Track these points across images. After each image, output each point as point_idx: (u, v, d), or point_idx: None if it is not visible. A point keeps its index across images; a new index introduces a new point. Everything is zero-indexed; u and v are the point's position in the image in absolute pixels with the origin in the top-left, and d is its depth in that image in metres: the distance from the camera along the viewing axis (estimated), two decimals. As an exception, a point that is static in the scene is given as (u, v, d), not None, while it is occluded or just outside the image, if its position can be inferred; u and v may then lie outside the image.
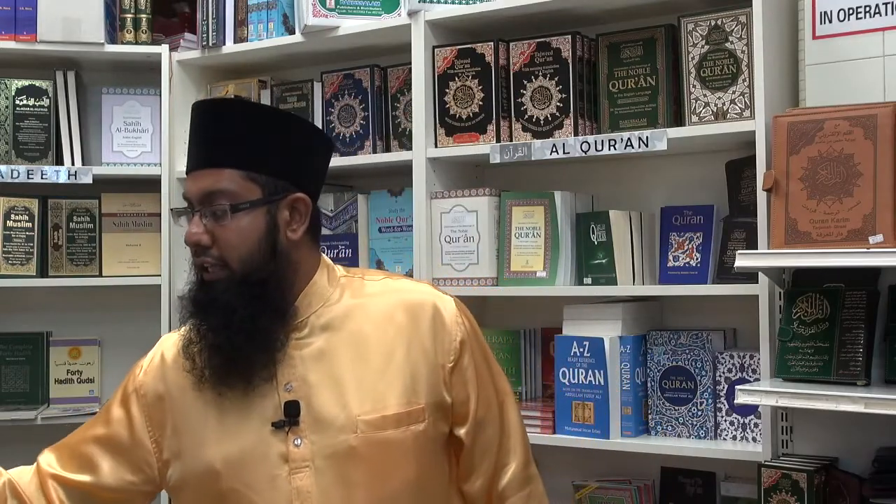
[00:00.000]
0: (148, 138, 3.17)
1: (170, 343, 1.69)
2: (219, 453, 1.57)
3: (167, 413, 1.64)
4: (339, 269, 1.70)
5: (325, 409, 1.56)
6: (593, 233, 2.48)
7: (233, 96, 3.04)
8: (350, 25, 2.77)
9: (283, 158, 1.60)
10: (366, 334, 1.61)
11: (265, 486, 1.55)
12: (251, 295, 1.54)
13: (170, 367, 1.66)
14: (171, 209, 1.66)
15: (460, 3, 2.63)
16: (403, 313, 1.63)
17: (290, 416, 1.56)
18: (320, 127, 2.90)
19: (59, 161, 3.08)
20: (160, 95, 3.12)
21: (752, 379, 2.31)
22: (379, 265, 2.79)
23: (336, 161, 2.83)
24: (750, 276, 2.21)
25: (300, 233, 1.60)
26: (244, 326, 1.53)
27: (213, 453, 1.57)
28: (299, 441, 1.55)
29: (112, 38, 3.09)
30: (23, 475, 1.68)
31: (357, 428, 1.55)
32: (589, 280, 2.49)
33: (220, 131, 1.59)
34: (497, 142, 2.56)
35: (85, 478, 1.66)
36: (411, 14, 2.66)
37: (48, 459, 1.69)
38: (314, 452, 1.55)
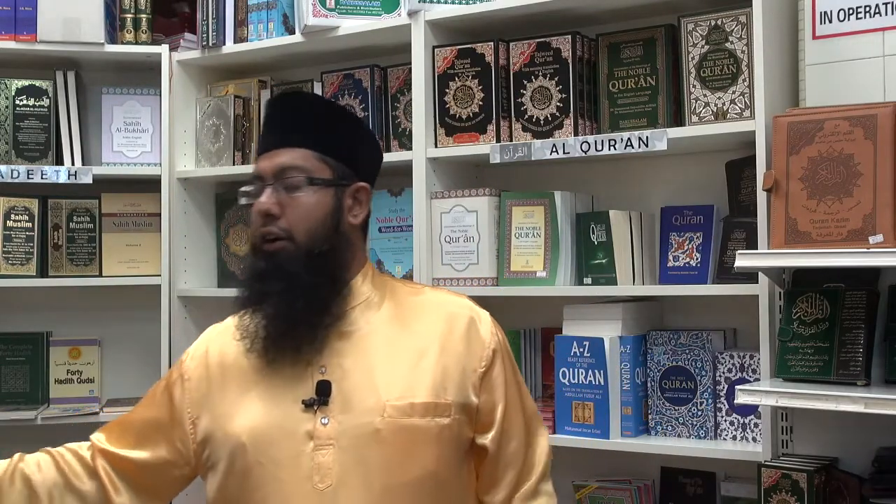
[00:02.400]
0: (148, 138, 3.17)
1: (215, 333, 1.79)
2: (247, 427, 1.62)
3: (206, 396, 1.70)
4: (382, 273, 1.81)
5: (356, 392, 1.61)
6: (593, 233, 2.48)
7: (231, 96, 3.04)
8: (350, 25, 2.77)
9: (351, 150, 1.72)
10: (401, 332, 1.68)
11: (288, 461, 1.59)
12: (314, 266, 1.62)
13: (213, 354, 1.74)
14: (240, 189, 1.73)
15: (460, 3, 2.63)
16: (439, 318, 1.71)
17: (321, 395, 1.61)
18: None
19: (59, 161, 3.08)
20: (160, 95, 3.12)
21: (752, 379, 2.31)
22: (379, 265, 2.79)
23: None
24: (750, 276, 2.21)
25: (360, 219, 1.72)
26: (306, 294, 1.60)
27: (241, 427, 1.63)
28: (326, 420, 1.60)
29: (112, 38, 3.09)
30: (70, 447, 1.79)
31: (384, 412, 1.60)
32: (589, 280, 2.49)
33: (297, 118, 1.70)
34: (497, 142, 2.56)
35: (129, 453, 1.73)
36: (411, 14, 2.66)
37: (98, 436, 1.78)
38: (340, 432, 1.59)
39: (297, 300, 1.60)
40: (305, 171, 1.65)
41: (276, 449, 1.60)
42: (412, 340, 1.67)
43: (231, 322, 1.74)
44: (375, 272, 1.76)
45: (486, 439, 1.68)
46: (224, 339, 1.74)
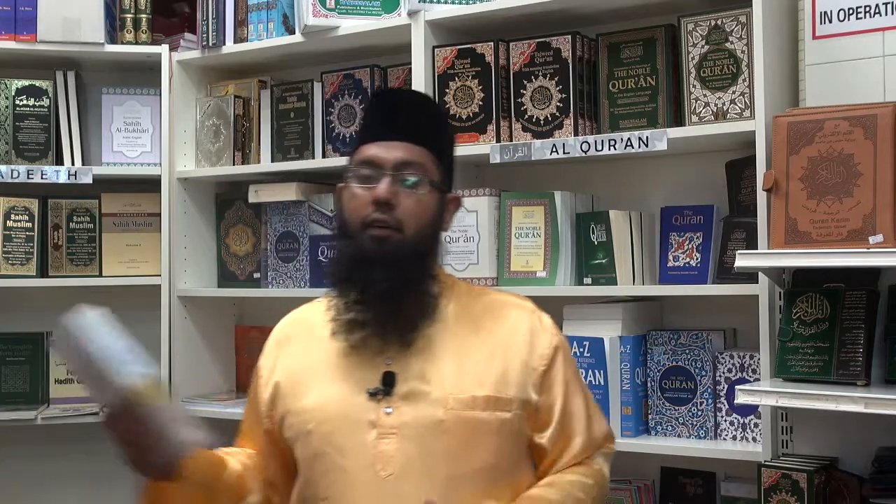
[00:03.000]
0: (148, 138, 3.17)
1: (291, 319, 1.84)
2: (312, 415, 1.67)
3: (277, 385, 1.74)
4: (448, 274, 1.85)
5: (420, 384, 1.65)
6: (593, 233, 2.48)
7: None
8: (350, 25, 2.77)
9: (451, 160, 1.80)
10: (466, 328, 1.72)
11: (351, 449, 1.63)
12: (419, 261, 1.67)
13: (285, 342, 1.79)
14: (350, 169, 1.74)
15: (460, 3, 2.63)
16: (503, 317, 1.75)
17: (386, 385, 1.65)
18: (320, 127, 2.91)
19: (59, 161, 3.08)
20: (160, 95, 3.12)
21: (752, 379, 2.31)
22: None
23: (336, 161, 2.83)
24: (750, 276, 2.21)
25: (448, 228, 1.77)
26: (407, 288, 1.64)
27: (308, 414, 1.68)
28: (390, 409, 1.63)
29: (112, 38, 3.10)
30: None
31: (447, 403, 1.63)
32: (589, 280, 2.49)
33: (418, 115, 1.74)
34: (497, 142, 2.56)
35: (257, 461, 1.79)
36: (411, 14, 2.66)
37: (244, 451, 1.81)
38: (403, 422, 1.63)
39: (398, 292, 1.63)
40: (426, 170, 1.68)
41: (340, 437, 1.64)
42: (476, 337, 1.71)
43: (315, 307, 1.79)
44: (443, 272, 1.79)
45: (544, 438, 1.72)
46: (301, 326, 1.80)
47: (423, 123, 1.73)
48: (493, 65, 2.57)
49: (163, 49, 3.10)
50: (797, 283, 2.17)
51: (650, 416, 2.44)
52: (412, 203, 1.66)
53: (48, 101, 3.09)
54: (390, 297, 1.63)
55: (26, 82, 3.08)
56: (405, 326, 1.66)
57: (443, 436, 1.62)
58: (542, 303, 2.62)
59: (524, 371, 1.70)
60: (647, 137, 2.35)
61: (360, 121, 1.87)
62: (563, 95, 2.49)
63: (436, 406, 1.63)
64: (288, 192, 2.93)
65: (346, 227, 1.69)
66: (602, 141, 2.41)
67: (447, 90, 2.63)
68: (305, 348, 1.75)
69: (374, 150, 1.68)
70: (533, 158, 2.48)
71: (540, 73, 2.53)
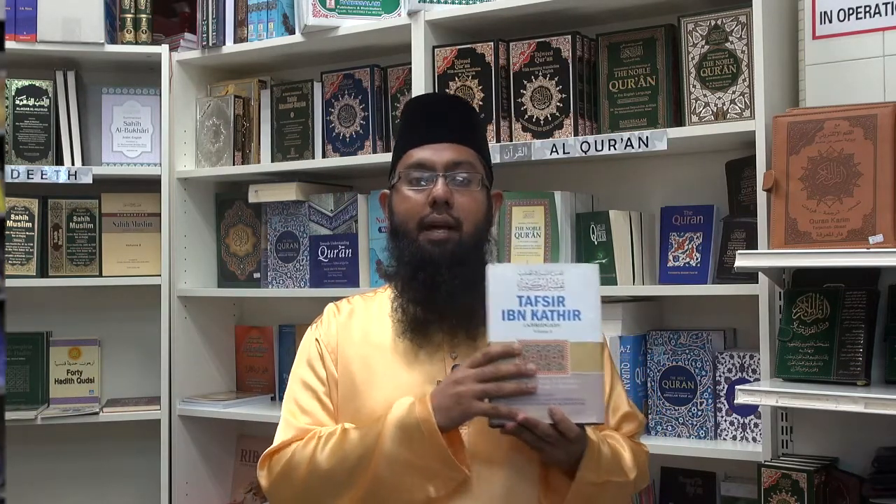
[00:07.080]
0: (148, 138, 3.17)
1: (332, 310, 1.86)
2: (383, 399, 1.70)
3: (343, 365, 1.78)
4: None
5: None
6: (593, 233, 2.48)
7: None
8: (350, 25, 2.77)
9: (489, 160, 1.86)
10: None
11: None
12: (477, 256, 1.74)
13: (343, 327, 1.82)
14: (399, 173, 1.79)
15: (460, 3, 2.63)
16: None
17: None
18: (320, 127, 2.92)
19: (59, 161, 3.08)
20: (160, 95, 3.12)
21: (752, 379, 2.31)
22: (379, 265, 2.78)
23: (336, 161, 2.84)
24: (750, 276, 2.21)
25: (494, 223, 1.84)
26: (474, 284, 1.67)
27: (379, 399, 1.71)
28: None
29: (112, 38, 3.10)
30: None
31: None
32: (589, 280, 2.49)
33: (462, 118, 1.82)
34: (497, 142, 2.56)
35: None
36: (411, 14, 2.66)
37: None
38: None
39: (465, 290, 1.67)
40: (475, 169, 1.76)
41: None
42: None
43: (369, 301, 1.85)
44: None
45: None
46: (358, 318, 1.82)
47: (466, 125, 1.81)
48: (493, 65, 2.57)
49: (163, 49, 3.10)
50: (797, 283, 2.17)
51: (650, 416, 2.44)
52: (467, 200, 1.73)
53: (48, 101, 3.09)
54: (457, 295, 1.68)
55: (26, 82, 3.09)
56: (470, 322, 1.71)
57: None
58: (542, 303, 2.64)
59: None
60: (647, 137, 2.35)
61: (398, 129, 1.91)
62: (563, 95, 2.49)
63: None
64: (288, 192, 2.93)
65: (402, 228, 1.75)
66: (602, 141, 2.41)
67: (447, 90, 2.62)
68: (366, 341, 1.78)
69: (423, 154, 1.76)
70: (533, 158, 2.48)
71: (540, 73, 2.53)
